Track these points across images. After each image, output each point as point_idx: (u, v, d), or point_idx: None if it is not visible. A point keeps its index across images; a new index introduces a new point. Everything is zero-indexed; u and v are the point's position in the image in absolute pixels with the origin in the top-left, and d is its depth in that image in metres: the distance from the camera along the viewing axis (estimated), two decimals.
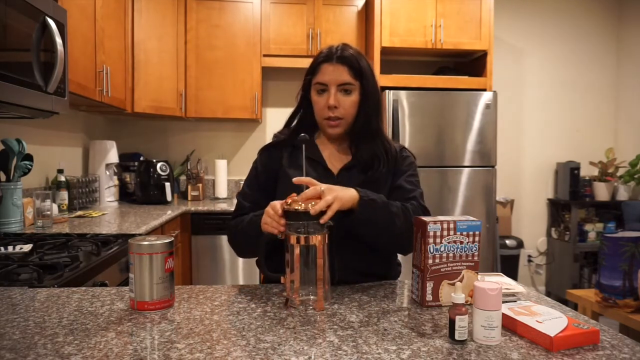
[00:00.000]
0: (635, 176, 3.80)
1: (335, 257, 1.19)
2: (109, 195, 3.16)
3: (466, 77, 3.45)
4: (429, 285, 1.05)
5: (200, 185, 3.58)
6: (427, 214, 1.27)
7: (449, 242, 1.05)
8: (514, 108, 4.14)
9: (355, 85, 1.28)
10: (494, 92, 3.36)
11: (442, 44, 3.37)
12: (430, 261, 1.04)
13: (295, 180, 1.13)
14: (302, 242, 1.05)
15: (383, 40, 3.33)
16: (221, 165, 3.61)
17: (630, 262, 1.98)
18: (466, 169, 3.32)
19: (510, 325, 0.92)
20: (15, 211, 2.09)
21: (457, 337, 0.85)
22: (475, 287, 0.87)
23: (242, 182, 1.44)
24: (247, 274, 3.18)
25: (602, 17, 4.20)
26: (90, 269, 1.49)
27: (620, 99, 4.22)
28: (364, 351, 0.81)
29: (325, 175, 1.31)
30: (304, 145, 1.17)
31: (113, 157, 3.18)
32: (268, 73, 3.66)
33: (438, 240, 1.04)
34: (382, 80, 3.23)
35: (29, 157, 2.21)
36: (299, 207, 1.05)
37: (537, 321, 0.89)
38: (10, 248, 1.65)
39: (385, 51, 3.39)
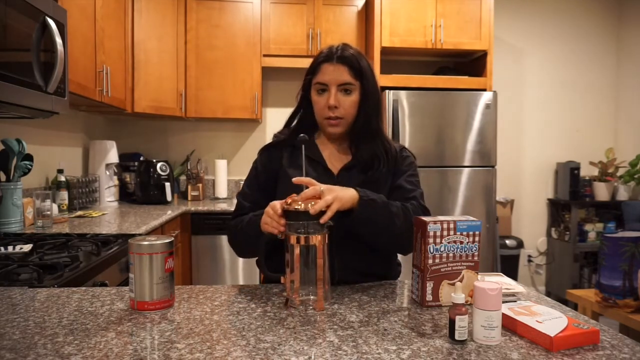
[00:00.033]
0: (635, 176, 3.80)
1: (335, 257, 1.19)
2: (109, 195, 3.16)
3: (466, 77, 3.45)
4: (429, 285, 1.05)
5: (200, 185, 3.58)
6: (427, 214, 1.27)
7: (449, 242, 1.05)
8: (514, 108, 4.14)
9: (356, 85, 1.28)
10: (494, 92, 3.36)
11: (442, 44, 3.37)
12: (430, 261, 1.04)
13: (294, 180, 1.13)
14: (302, 242, 1.05)
15: (383, 40, 3.33)
16: (221, 165, 3.61)
17: (630, 262, 1.98)
18: (466, 169, 3.32)
19: (510, 325, 0.92)
20: (15, 211, 2.09)
21: (457, 337, 0.85)
22: (475, 287, 0.87)
23: (242, 182, 1.44)
24: (247, 274, 3.18)
25: (602, 17, 4.20)
26: (90, 269, 1.49)
27: (620, 99, 4.22)
28: (364, 351, 0.82)
29: (325, 175, 1.31)
30: (303, 146, 1.17)
31: (113, 157, 3.18)
32: (268, 73, 3.66)
33: (438, 240, 1.04)
34: (382, 80, 3.23)
35: (29, 157, 2.21)
36: (299, 207, 1.05)
37: (537, 321, 0.89)
38: (10, 248, 1.65)
39: (385, 51, 3.39)
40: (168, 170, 3.30)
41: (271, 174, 1.35)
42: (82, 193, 2.77)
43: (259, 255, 1.16)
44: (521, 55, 4.14)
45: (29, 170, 2.21)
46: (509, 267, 3.87)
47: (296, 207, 1.05)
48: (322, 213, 1.05)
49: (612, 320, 2.11)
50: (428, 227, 1.03)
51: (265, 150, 1.40)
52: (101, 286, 1.32)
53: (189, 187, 3.55)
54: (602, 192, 3.94)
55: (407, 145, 1.98)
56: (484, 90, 3.39)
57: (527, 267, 4.23)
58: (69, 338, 0.86)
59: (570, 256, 3.89)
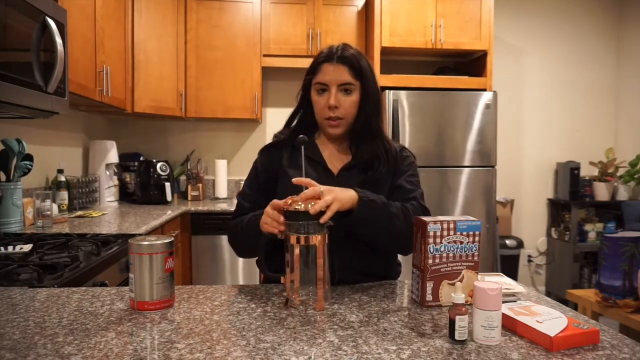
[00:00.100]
0: (635, 176, 3.80)
1: (335, 257, 1.19)
2: (109, 195, 3.16)
3: (466, 77, 3.45)
4: (429, 285, 1.05)
5: (200, 185, 3.58)
6: (427, 214, 1.27)
7: (449, 242, 1.05)
8: (514, 108, 4.14)
9: (356, 85, 1.28)
10: (494, 92, 3.36)
11: (442, 44, 3.37)
12: (430, 261, 1.04)
13: (294, 180, 1.13)
14: (302, 242, 1.05)
15: (383, 40, 3.33)
16: (221, 165, 3.61)
17: (630, 262, 1.98)
18: (466, 169, 3.32)
19: (510, 325, 0.92)
20: (15, 211, 2.09)
21: (457, 337, 0.85)
22: (475, 287, 0.87)
23: (242, 182, 1.44)
24: (247, 274, 3.18)
25: (602, 17, 4.20)
26: (90, 269, 1.49)
27: (620, 99, 4.22)
28: (364, 351, 0.82)
29: (325, 175, 1.31)
30: (303, 147, 1.17)
31: (113, 157, 3.18)
32: (268, 73, 3.66)
33: (438, 240, 1.04)
34: (382, 80, 3.23)
35: (29, 157, 2.21)
36: (299, 207, 1.05)
37: (537, 321, 0.89)
38: (10, 248, 1.65)
39: (385, 51, 3.39)
40: (168, 170, 3.30)
41: (271, 174, 1.35)
42: (82, 193, 2.77)
43: (258, 255, 1.16)
44: (521, 55, 4.14)
45: (29, 170, 2.21)
46: (509, 267, 3.87)
47: (296, 207, 1.05)
48: (322, 213, 1.05)
49: (612, 320, 2.11)
50: (428, 227, 1.03)
51: (265, 151, 1.40)
52: (101, 286, 1.32)
53: (189, 187, 3.55)
54: (602, 192, 3.94)
55: (407, 145, 1.98)
56: (484, 90, 3.39)
57: (527, 267, 4.23)
58: (69, 338, 0.86)
59: (570, 256, 3.89)
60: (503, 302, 0.90)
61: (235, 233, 1.31)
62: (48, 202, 2.15)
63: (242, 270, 3.18)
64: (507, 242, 3.93)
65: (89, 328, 0.91)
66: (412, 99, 3.26)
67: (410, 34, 3.36)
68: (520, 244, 3.97)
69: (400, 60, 3.78)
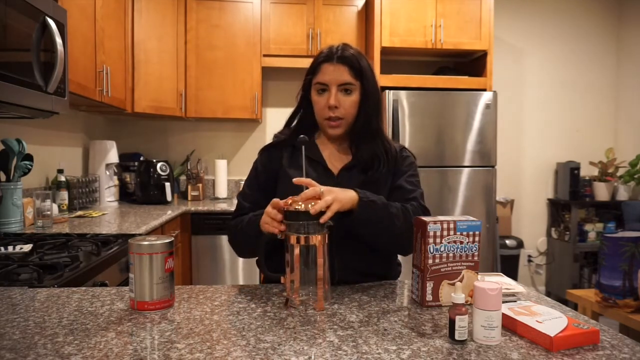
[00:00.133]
0: (635, 176, 3.80)
1: (335, 257, 1.19)
2: (109, 195, 3.16)
3: (466, 77, 3.45)
4: (429, 285, 1.05)
5: (200, 185, 3.58)
6: (428, 214, 1.27)
7: (449, 242, 1.05)
8: (514, 108, 4.14)
9: (356, 85, 1.28)
10: (494, 92, 3.36)
11: (442, 44, 3.37)
12: (430, 261, 1.04)
13: (295, 180, 1.13)
14: (302, 242, 1.05)
15: (383, 40, 3.33)
16: (221, 165, 3.61)
17: (630, 262, 1.98)
18: (466, 169, 3.32)
19: (510, 325, 0.92)
20: (15, 211, 2.09)
21: (457, 337, 0.85)
22: (475, 287, 0.87)
23: (242, 182, 1.44)
24: (247, 274, 3.18)
25: (602, 17, 4.20)
26: (90, 269, 1.49)
27: (620, 99, 4.22)
28: (364, 351, 0.82)
29: (325, 175, 1.31)
30: (303, 147, 1.17)
31: (113, 157, 3.18)
32: (268, 73, 3.66)
33: (438, 240, 1.04)
34: (382, 80, 3.23)
35: (29, 157, 2.21)
36: (299, 207, 1.05)
37: (537, 321, 0.89)
38: (10, 248, 1.65)
39: (385, 51, 3.39)
40: (168, 170, 3.30)
41: (271, 174, 1.35)
42: (82, 193, 2.77)
43: (258, 255, 1.16)
44: (521, 55, 4.14)
45: (29, 170, 2.21)
46: (509, 267, 3.87)
47: (296, 207, 1.05)
48: (322, 213, 1.05)
49: (612, 320, 2.11)
50: (428, 227, 1.03)
51: (266, 151, 1.40)
52: (101, 286, 1.32)
53: (189, 187, 3.55)
54: (602, 192, 3.94)
55: (407, 145, 1.98)
56: (484, 90, 3.39)
57: (527, 267, 4.23)
58: (69, 338, 0.86)
59: (570, 256, 3.89)
60: (503, 302, 0.90)
61: (236, 233, 1.31)
62: (48, 202, 2.15)
63: (242, 270, 3.18)
64: (507, 242, 3.93)
65: (89, 328, 0.91)
66: (412, 99, 3.26)
67: (410, 34, 3.36)
68: (520, 244, 3.97)
69: (400, 60, 3.78)
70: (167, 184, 3.25)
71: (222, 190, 3.61)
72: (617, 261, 2.00)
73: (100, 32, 2.49)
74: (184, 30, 3.38)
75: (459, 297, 0.86)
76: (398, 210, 1.20)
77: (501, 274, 1.23)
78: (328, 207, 1.05)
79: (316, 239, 1.05)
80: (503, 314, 0.90)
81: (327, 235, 1.07)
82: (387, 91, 3.21)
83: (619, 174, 3.95)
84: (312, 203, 1.04)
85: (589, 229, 3.93)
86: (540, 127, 4.18)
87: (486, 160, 3.34)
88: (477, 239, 1.06)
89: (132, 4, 2.98)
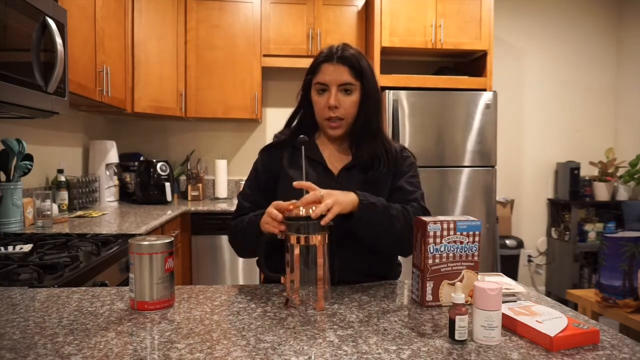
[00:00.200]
0: (635, 176, 3.80)
1: (335, 257, 1.19)
2: (109, 195, 3.16)
3: (466, 77, 3.45)
4: (429, 285, 1.05)
5: (200, 185, 3.58)
6: (428, 215, 1.27)
7: (449, 242, 1.05)
8: (514, 108, 4.14)
9: (356, 85, 1.28)
10: (494, 92, 3.36)
11: (442, 44, 3.37)
12: (430, 261, 1.04)
13: (295, 184, 1.13)
14: (302, 242, 1.05)
15: (383, 40, 3.33)
16: (221, 165, 3.61)
17: (630, 262, 1.98)
18: (466, 169, 3.32)
19: (510, 325, 0.92)
20: (15, 211, 2.09)
21: (457, 337, 0.85)
22: (475, 287, 0.87)
23: (242, 182, 1.45)
24: (247, 274, 3.18)
25: (602, 17, 4.20)
26: (90, 269, 1.49)
27: (620, 99, 4.22)
28: (364, 351, 0.82)
29: (325, 175, 1.31)
30: (303, 147, 1.17)
31: (113, 157, 3.18)
32: (268, 73, 3.66)
33: (438, 240, 1.04)
34: (382, 80, 3.23)
35: (29, 157, 2.21)
36: (300, 213, 1.05)
37: (537, 321, 0.89)
38: (10, 248, 1.65)
39: (385, 51, 3.39)
40: (168, 170, 3.30)
41: (271, 174, 1.35)
42: (82, 193, 2.77)
43: (259, 255, 1.16)
44: (521, 55, 4.14)
45: (29, 170, 2.21)
46: (509, 267, 3.87)
47: (297, 212, 1.06)
48: (323, 217, 1.05)
49: (612, 320, 2.11)
50: (428, 227, 1.03)
51: (266, 151, 1.40)
52: (101, 286, 1.32)
53: (189, 187, 3.55)
54: (602, 192, 3.94)
55: (407, 145, 1.99)
56: (484, 90, 3.39)
57: (527, 267, 4.23)
58: (69, 338, 0.86)
59: (570, 256, 3.89)
60: (503, 302, 0.90)
61: (236, 233, 1.31)
62: (48, 202, 2.15)
63: (242, 270, 3.18)
64: (507, 242, 3.93)
65: (89, 328, 0.91)
66: (412, 99, 3.26)
67: (410, 34, 3.36)
68: (520, 244, 3.97)
69: (400, 60, 3.78)
70: (167, 184, 3.25)
71: (222, 190, 3.61)
72: (617, 261, 2.00)
73: (100, 32, 2.49)
74: (184, 30, 3.38)
75: (459, 297, 0.86)
76: (398, 212, 1.20)
77: (501, 274, 1.23)
78: (329, 210, 1.05)
79: (316, 239, 1.05)
80: (503, 314, 0.90)
81: (327, 235, 1.07)
82: (387, 91, 3.21)
83: (619, 174, 3.95)
84: (313, 207, 1.05)
85: (589, 229, 3.93)
86: (540, 127, 4.18)
87: (486, 160, 3.34)
88: (477, 239, 1.06)
89: (132, 4, 2.98)
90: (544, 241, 4.23)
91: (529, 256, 4.22)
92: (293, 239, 1.05)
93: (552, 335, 0.83)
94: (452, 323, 0.86)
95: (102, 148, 3.12)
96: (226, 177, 3.65)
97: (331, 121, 1.29)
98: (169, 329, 0.91)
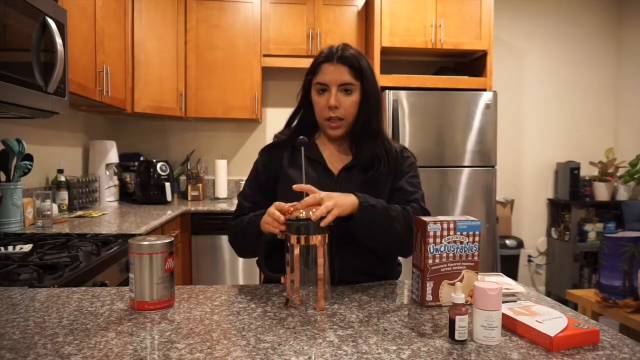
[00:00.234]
0: (635, 176, 3.80)
1: (335, 257, 1.19)
2: (109, 195, 3.16)
3: (466, 77, 3.45)
4: (429, 285, 1.05)
5: (200, 185, 3.58)
6: (428, 216, 1.27)
7: (449, 242, 1.05)
8: (514, 108, 4.14)
9: (356, 86, 1.28)
10: (494, 92, 3.36)
11: (442, 44, 3.37)
12: (430, 261, 1.04)
13: (295, 187, 1.13)
14: (302, 242, 1.05)
15: (383, 40, 3.33)
16: (221, 165, 3.61)
17: (630, 262, 1.98)
18: (466, 169, 3.32)
19: (510, 325, 0.92)
20: (15, 211, 2.09)
21: (457, 337, 0.85)
22: (475, 287, 0.87)
23: (242, 182, 1.45)
24: (247, 274, 3.18)
25: (602, 17, 4.20)
26: (90, 269, 1.49)
27: (620, 99, 4.22)
28: (364, 351, 0.82)
29: (325, 175, 1.31)
30: (303, 148, 1.17)
31: (113, 157, 3.18)
32: (268, 73, 3.66)
33: (438, 240, 1.04)
34: (382, 80, 3.23)
35: (29, 157, 2.21)
36: (301, 215, 1.05)
37: (537, 321, 0.89)
38: (10, 248, 1.65)
39: (385, 51, 3.39)
40: (168, 170, 3.30)
41: (272, 175, 1.35)
42: (82, 193, 2.77)
43: (259, 255, 1.16)
44: (521, 55, 4.14)
45: (29, 170, 2.21)
46: (509, 267, 3.87)
47: (297, 215, 1.06)
48: (323, 218, 1.05)
49: (612, 320, 2.11)
50: (428, 227, 1.03)
51: (266, 151, 1.40)
52: (101, 286, 1.32)
53: (189, 187, 3.55)
54: (602, 192, 3.94)
55: (407, 145, 1.98)
56: (484, 90, 3.39)
57: (527, 267, 4.23)
58: (69, 338, 0.86)
59: (570, 256, 3.89)
60: (503, 302, 0.90)
61: (236, 233, 1.31)
62: (48, 202, 2.15)
63: (242, 270, 3.18)
64: (507, 242, 3.93)
65: (89, 328, 0.91)
66: (412, 99, 3.26)
67: (410, 34, 3.36)
68: (520, 244, 3.97)
69: (400, 60, 3.78)
70: (167, 184, 3.25)
71: (222, 190, 3.61)
72: (617, 261, 2.00)
73: (100, 32, 2.49)
74: (184, 30, 3.38)
75: (459, 297, 0.86)
76: (398, 214, 1.20)
77: (501, 274, 1.23)
78: (328, 212, 1.06)
79: (316, 239, 1.05)
80: (503, 314, 0.90)
81: (327, 236, 1.07)
82: (387, 91, 3.21)
83: (619, 174, 3.95)
84: (313, 210, 1.05)
85: (589, 229, 3.93)
86: (540, 127, 4.18)
87: (486, 160, 3.34)
88: (477, 239, 1.06)
89: (132, 4, 2.98)
90: (544, 241, 4.23)
91: (529, 256, 4.22)
92: (293, 239, 1.05)
93: (552, 335, 0.83)
94: (452, 323, 0.86)
95: (102, 148, 3.12)
96: (226, 177, 3.65)
97: (331, 121, 1.29)
98: (169, 329, 0.91)
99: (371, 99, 1.30)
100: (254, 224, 1.20)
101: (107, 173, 3.13)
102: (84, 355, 0.79)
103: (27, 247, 1.63)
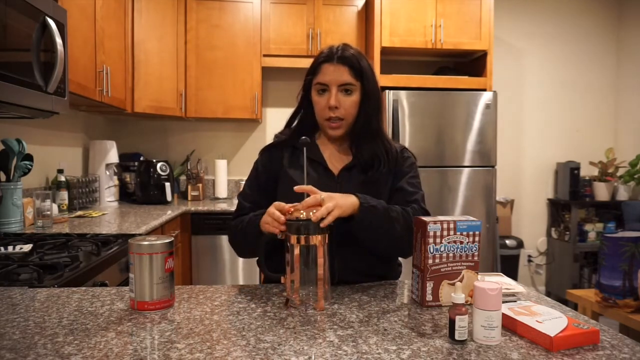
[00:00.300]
0: (635, 176, 3.80)
1: (335, 257, 1.19)
2: (109, 195, 3.16)
3: (466, 77, 3.45)
4: (429, 285, 1.05)
5: (200, 185, 3.58)
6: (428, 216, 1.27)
7: (449, 242, 1.05)
8: (514, 108, 4.14)
9: (356, 86, 1.28)
10: (494, 92, 3.36)
11: (442, 44, 3.37)
12: (430, 261, 1.04)
13: (296, 188, 1.13)
14: (302, 242, 1.05)
15: (383, 40, 3.33)
16: (221, 165, 3.61)
17: (630, 262, 1.98)
18: (466, 169, 3.32)
19: (510, 325, 0.92)
20: (15, 211, 2.09)
21: (457, 337, 0.85)
22: (475, 287, 0.87)
23: (242, 182, 1.45)
24: (247, 274, 3.18)
25: (602, 17, 4.20)
26: (90, 269, 1.49)
27: (620, 99, 4.22)
28: (364, 351, 0.82)
29: (325, 175, 1.31)
30: (305, 149, 1.17)
31: (113, 157, 3.18)
32: (268, 73, 3.66)
33: (438, 240, 1.04)
34: (382, 80, 3.23)
35: (29, 157, 2.21)
36: (301, 216, 1.05)
37: (537, 321, 0.89)
38: (10, 248, 1.65)
39: (385, 51, 3.39)
40: (168, 170, 3.30)
41: (272, 175, 1.35)
42: (82, 193, 2.77)
43: (259, 255, 1.16)
44: (521, 55, 4.14)
45: (29, 170, 2.21)
46: (509, 267, 3.87)
47: (298, 215, 1.06)
48: (323, 219, 1.05)
49: (612, 320, 2.11)
50: (428, 227, 1.03)
51: (266, 151, 1.40)
52: (101, 286, 1.32)
53: (189, 187, 3.55)
54: (602, 192, 3.94)
55: (407, 145, 1.98)
56: (484, 90, 3.39)
57: (527, 267, 4.23)
58: (69, 338, 0.86)
59: (570, 256, 3.89)
60: (503, 302, 0.90)
61: (236, 233, 1.31)
62: (48, 202, 2.15)
63: (242, 270, 3.18)
64: (507, 242, 3.93)
65: (89, 328, 0.91)
66: (412, 99, 3.26)
67: (410, 34, 3.36)
68: (520, 244, 3.97)
69: (400, 60, 3.78)
70: (167, 184, 3.25)
71: (222, 190, 3.61)
72: (617, 261, 2.00)
73: (100, 32, 2.49)
74: (184, 30, 3.38)
75: (459, 297, 0.86)
76: (398, 215, 1.20)
77: (501, 274, 1.23)
78: (329, 213, 1.06)
79: (316, 239, 1.05)
80: (503, 314, 0.90)
81: (327, 236, 1.07)
82: (387, 91, 3.21)
83: (619, 174, 3.95)
84: (314, 211, 1.05)
85: (589, 229, 3.93)
86: (540, 127, 4.18)
87: (486, 160, 3.34)
88: (477, 239, 1.06)
89: (132, 4, 2.98)
90: (544, 241, 4.23)
91: (529, 256, 4.22)
92: (293, 239, 1.05)
93: (552, 335, 0.83)
94: (452, 323, 0.86)
95: (102, 148, 3.12)
96: (226, 177, 3.65)
97: (331, 121, 1.29)
98: (169, 329, 0.91)
99: (371, 99, 1.30)
100: (254, 224, 1.20)
101: (107, 173, 3.13)
102: (84, 355, 0.79)
103: (27, 247, 1.63)
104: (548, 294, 4.09)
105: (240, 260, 3.13)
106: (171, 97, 3.32)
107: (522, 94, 4.16)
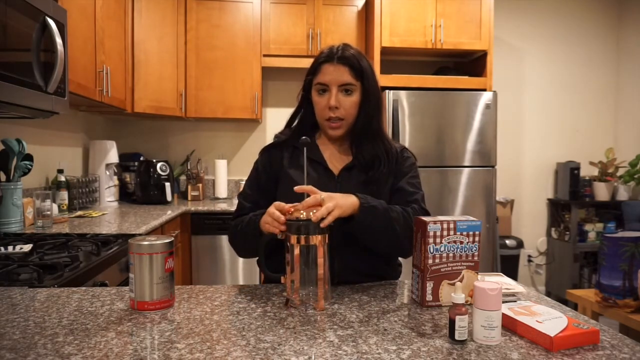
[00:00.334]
0: (635, 176, 3.80)
1: (335, 257, 1.19)
2: (109, 195, 3.16)
3: (466, 77, 3.45)
4: (429, 285, 1.05)
5: (200, 185, 3.58)
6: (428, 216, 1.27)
7: (449, 242, 1.05)
8: (514, 108, 4.14)
9: (356, 86, 1.28)
10: (494, 92, 3.36)
11: (442, 44, 3.37)
12: (430, 261, 1.04)
13: (296, 189, 1.13)
14: (302, 242, 1.05)
15: (383, 40, 3.33)
16: (221, 165, 3.61)
17: (630, 262, 1.98)
18: (466, 169, 3.32)
19: (510, 325, 0.92)
20: (15, 211, 2.09)
21: (457, 337, 0.85)
22: (475, 287, 0.87)
23: (242, 182, 1.45)
24: (247, 274, 3.18)
25: (602, 17, 4.20)
26: (90, 269, 1.49)
27: (620, 99, 4.22)
28: (364, 351, 0.82)
29: (325, 175, 1.31)
30: (305, 149, 1.17)
31: (113, 157, 3.18)
32: (268, 73, 3.66)
33: (438, 240, 1.04)
34: (382, 80, 3.22)
35: (29, 157, 2.21)
36: (301, 216, 1.05)
37: (537, 321, 0.89)
38: (10, 248, 1.65)
39: (385, 51, 3.39)
40: (168, 170, 3.30)
41: (272, 175, 1.35)
42: (82, 193, 2.77)
43: (259, 255, 1.16)
44: (521, 55, 4.14)
45: (29, 170, 2.21)
46: (509, 267, 3.87)
47: (298, 215, 1.06)
48: (323, 219, 1.05)
49: (612, 320, 2.11)
50: (428, 227, 1.03)
51: (266, 151, 1.40)
52: (101, 286, 1.32)
53: (189, 187, 3.55)
54: (602, 192, 3.94)
55: (407, 145, 1.98)
56: (484, 90, 3.39)
57: (527, 267, 4.23)
58: (69, 338, 0.86)
59: (570, 256, 3.89)
60: (503, 302, 0.90)
61: (236, 233, 1.31)
62: (48, 202, 2.15)
63: (242, 270, 3.17)
64: (507, 242, 3.93)
65: (89, 328, 0.91)
66: (412, 99, 3.26)
67: (410, 34, 3.36)
68: (520, 244, 3.97)
69: (400, 60, 3.78)
70: (167, 184, 3.25)
71: (222, 190, 3.61)
72: (617, 261, 2.00)
73: (100, 32, 2.49)
74: (184, 30, 3.38)
75: (459, 297, 0.86)
76: (398, 215, 1.20)
77: (501, 274, 1.23)
78: (329, 213, 1.06)
79: (316, 239, 1.05)
80: (503, 314, 0.90)
81: (327, 236, 1.07)
82: (387, 91, 3.21)
83: (619, 174, 3.95)
84: (314, 211, 1.05)
85: (589, 229, 3.93)
86: (540, 127, 4.18)
87: (486, 160, 3.34)
88: (477, 239, 1.06)
89: (132, 4, 2.98)
90: (544, 241, 4.23)
91: (529, 256, 4.22)
92: (293, 239, 1.05)
93: (552, 335, 0.83)
94: (452, 323, 0.86)
95: (102, 148, 3.12)
96: (226, 177, 3.65)
97: (331, 121, 1.29)
98: (169, 329, 0.91)
99: (372, 99, 1.30)
100: (254, 224, 1.20)
101: (107, 173, 3.13)
102: (84, 355, 0.79)
103: (27, 247, 1.63)
104: (548, 294, 4.09)
105: (240, 260, 3.13)
106: (171, 97, 3.32)
107: (522, 94, 4.16)
